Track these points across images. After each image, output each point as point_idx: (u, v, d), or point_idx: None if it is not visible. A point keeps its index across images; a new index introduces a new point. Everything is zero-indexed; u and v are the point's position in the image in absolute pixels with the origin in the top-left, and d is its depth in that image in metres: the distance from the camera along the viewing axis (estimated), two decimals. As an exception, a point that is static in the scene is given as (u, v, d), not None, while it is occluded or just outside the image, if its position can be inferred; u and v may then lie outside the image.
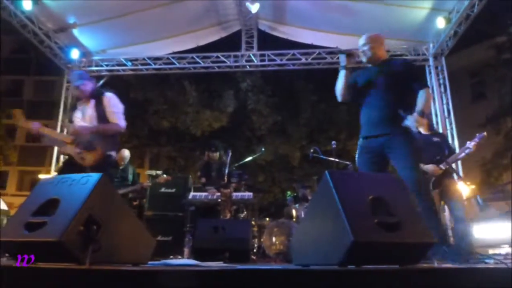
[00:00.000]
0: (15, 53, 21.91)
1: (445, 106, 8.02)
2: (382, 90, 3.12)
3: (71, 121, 3.66)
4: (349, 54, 3.23)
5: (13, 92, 20.97)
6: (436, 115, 8.02)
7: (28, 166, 19.92)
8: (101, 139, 3.45)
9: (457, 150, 6.73)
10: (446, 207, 4.37)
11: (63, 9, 7.27)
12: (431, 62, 8.20)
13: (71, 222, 1.85)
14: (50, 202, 2.04)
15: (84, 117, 3.56)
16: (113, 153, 3.54)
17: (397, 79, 3.11)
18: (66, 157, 3.63)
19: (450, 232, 4.92)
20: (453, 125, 7.81)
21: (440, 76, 8.17)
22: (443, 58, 8.14)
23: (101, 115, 3.53)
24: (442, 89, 8.11)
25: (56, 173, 3.45)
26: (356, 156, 3.26)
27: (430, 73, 8.27)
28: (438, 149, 4.33)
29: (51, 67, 8.77)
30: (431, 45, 8.13)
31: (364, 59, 3.30)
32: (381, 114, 3.12)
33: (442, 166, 4.15)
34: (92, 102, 3.58)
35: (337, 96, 3.34)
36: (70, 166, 3.30)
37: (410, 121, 2.96)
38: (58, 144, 3.64)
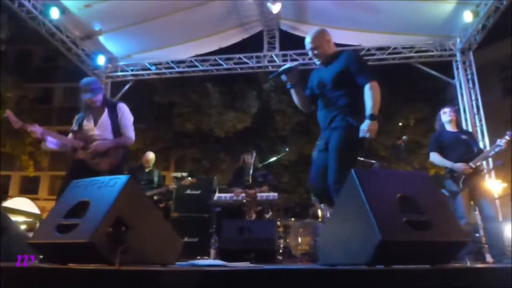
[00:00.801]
0: (44, 62, 22.62)
1: (474, 102, 7.78)
2: (329, 89, 3.00)
3: (79, 127, 3.60)
4: (286, 72, 3.05)
5: (44, 100, 21.63)
6: (465, 112, 7.80)
7: (59, 171, 20.53)
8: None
9: (488, 148, 6.55)
10: (476, 206, 4.24)
11: (89, 17, 7.46)
12: (458, 57, 7.98)
13: (100, 223, 1.89)
14: (81, 204, 2.09)
15: (97, 126, 3.57)
16: (123, 164, 3.67)
17: (341, 75, 2.95)
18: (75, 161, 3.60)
19: (481, 232, 4.78)
20: (483, 122, 7.58)
21: (468, 72, 7.94)
22: (471, 53, 7.90)
23: (116, 125, 3.59)
24: (471, 85, 7.88)
25: (64, 179, 3.45)
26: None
27: (457, 68, 8.05)
28: (467, 147, 4.22)
29: (79, 73, 8.99)
30: (458, 40, 7.91)
31: (316, 62, 3.16)
32: (328, 113, 3.01)
33: (471, 165, 4.04)
34: (106, 111, 3.60)
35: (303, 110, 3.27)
36: (82, 171, 3.29)
37: (363, 132, 2.78)
38: (64, 149, 3.60)
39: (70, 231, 1.95)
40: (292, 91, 3.13)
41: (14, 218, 9.06)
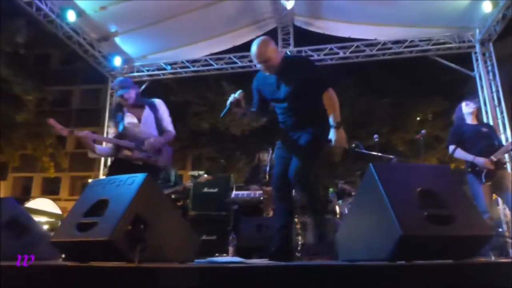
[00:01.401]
0: (63, 65, 23.04)
1: (494, 94, 7.59)
2: (292, 99, 2.96)
3: (125, 128, 3.60)
4: (234, 105, 2.95)
5: (62, 102, 22.02)
6: (485, 104, 7.62)
7: (79, 172, 20.90)
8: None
9: (510, 140, 6.39)
10: (500, 200, 4.14)
11: (104, 19, 7.55)
12: (477, 48, 7.79)
13: (119, 221, 1.90)
14: (100, 202, 2.12)
15: (141, 122, 3.61)
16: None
17: (302, 85, 2.91)
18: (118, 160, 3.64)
19: (505, 226, 4.68)
20: (504, 114, 7.39)
21: (488, 63, 7.74)
22: (490, 44, 7.71)
23: (159, 121, 3.67)
24: (491, 77, 7.69)
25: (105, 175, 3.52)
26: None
27: (477, 60, 7.87)
28: (488, 140, 4.13)
29: (96, 75, 9.14)
30: (477, 31, 7.73)
31: (266, 73, 3.02)
32: (292, 122, 3.03)
33: (493, 158, 3.95)
34: (147, 108, 3.65)
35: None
36: (126, 169, 3.33)
37: (338, 143, 2.80)
38: (110, 154, 3.67)
39: (90, 229, 1.97)
40: (245, 117, 3.12)
41: (36, 218, 9.26)
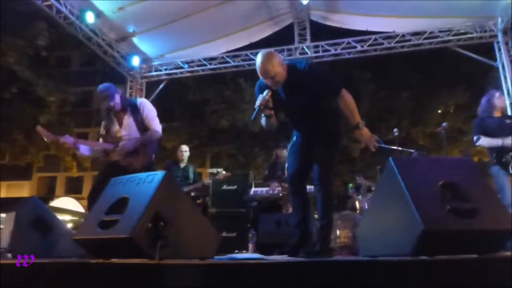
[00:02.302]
0: (83, 66, 23.50)
1: (519, 84, 7.38)
2: (300, 112, 3.00)
3: (106, 131, 3.66)
4: (262, 109, 2.81)
5: (83, 103, 22.45)
6: (509, 95, 7.41)
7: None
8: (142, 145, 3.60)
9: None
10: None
11: (122, 19, 7.65)
12: (500, 38, 7.57)
13: (140, 219, 1.93)
14: (121, 200, 2.15)
15: (123, 127, 3.62)
16: (153, 156, 3.68)
17: (314, 96, 2.87)
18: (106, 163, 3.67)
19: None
20: (529, 104, 7.17)
21: (512, 52, 7.53)
22: (514, 33, 7.49)
23: (139, 122, 3.62)
24: (515, 66, 7.47)
25: (95, 181, 3.53)
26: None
27: (499, 50, 7.64)
28: None
29: (115, 75, 9.27)
30: (499, 20, 7.50)
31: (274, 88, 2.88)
32: (306, 131, 3.07)
33: None
34: (128, 111, 3.64)
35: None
36: (114, 172, 3.36)
37: (363, 142, 2.82)
38: (98, 155, 3.68)
39: (112, 227, 2.00)
40: (266, 121, 2.95)
41: (60, 217, 9.49)
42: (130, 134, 3.60)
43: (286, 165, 5.27)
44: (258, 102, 2.78)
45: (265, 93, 2.80)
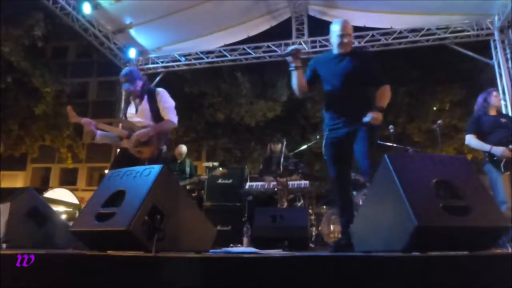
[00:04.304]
0: (79, 57, 23.34)
1: (514, 82, 7.42)
2: (347, 82, 3.10)
3: (125, 116, 3.71)
4: (293, 54, 3.12)
5: (80, 94, 22.32)
6: (504, 93, 7.45)
7: (96, 162, 21.27)
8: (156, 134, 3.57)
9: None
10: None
11: (119, 11, 7.60)
12: (496, 36, 7.60)
13: (137, 212, 1.94)
14: (117, 193, 2.16)
15: (138, 113, 3.63)
16: (164, 147, 3.63)
17: (367, 72, 3.10)
18: (120, 150, 3.70)
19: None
20: (524, 103, 7.22)
21: (508, 51, 7.55)
22: (510, 31, 7.51)
23: (155, 111, 3.60)
24: (510, 64, 7.50)
25: (110, 167, 3.52)
26: (323, 149, 3.25)
27: (495, 48, 7.68)
28: (507, 130, 4.06)
29: (112, 67, 9.22)
30: (496, 18, 7.52)
31: (336, 49, 3.18)
32: (354, 106, 3.08)
33: (511, 147, 3.89)
34: (145, 98, 3.64)
35: (297, 94, 3.32)
36: (126, 160, 3.38)
37: (369, 117, 2.92)
38: (114, 141, 3.67)
39: (109, 219, 2.02)
40: (294, 74, 3.18)
41: (55, 208, 9.46)
42: (144, 121, 3.60)
43: (281, 159, 5.33)
44: (290, 48, 3.15)
45: (299, 46, 3.08)
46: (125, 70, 3.72)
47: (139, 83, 3.65)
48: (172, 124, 3.63)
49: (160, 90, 3.72)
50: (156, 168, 2.17)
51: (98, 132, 3.58)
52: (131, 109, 3.68)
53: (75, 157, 16.22)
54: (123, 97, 8.83)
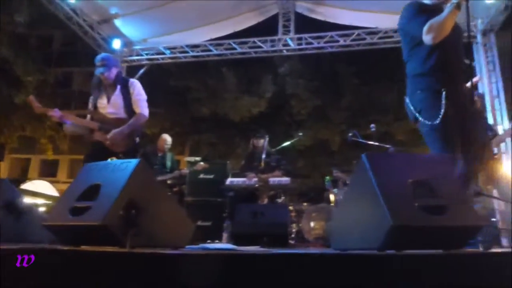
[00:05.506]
0: (64, 47, 22.86)
1: (493, 85, 7.54)
2: (456, 40, 2.71)
3: (95, 107, 3.60)
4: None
5: (64, 84, 21.93)
6: (484, 97, 7.59)
7: (78, 154, 20.94)
8: None
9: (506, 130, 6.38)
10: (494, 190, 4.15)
11: (105, 1, 7.47)
12: (479, 39, 7.70)
13: (112, 206, 1.91)
14: (93, 187, 2.11)
15: (109, 103, 3.56)
16: (137, 139, 3.59)
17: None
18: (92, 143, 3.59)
19: (498, 216, 4.70)
20: (503, 105, 7.36)
21: (489, 54, 7.68)
22: (492, 35, 7.63)
23: (127, 102, 3.55)
24: (491, 67, 7.63)
25: (84, 160, 3.45)
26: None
27: (478, 51, 7.80)
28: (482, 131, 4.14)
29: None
30: (479, 21, 7.63)
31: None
32: (460, 65, 2.70)
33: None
34: (118, 88, 3.56)
35: (435, 37, 2.52)
36: (99, 152, 3.32)
37: None
38: (84, 131, 3.58)
39: (83, 213, 1.98)
40: (453, 14, 2.53)
41: (33, 200, 9.30)
42: (116, 112, 3.54)
43: (264, 155, 5.31)
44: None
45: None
46: (101, 55, 3.64)
47: (114, 71, 3.57)
48: (144, 117, 3.58)
49: (134, 81, 3.68)
50: (133, 162, 2.13)
51: (68, 122, 3.50)
52: (103, 100, 3.59)
53: (56, 148, 15.97)
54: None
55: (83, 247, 1.92)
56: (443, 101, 2.49)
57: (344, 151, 15.06)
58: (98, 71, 3.53)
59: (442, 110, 2.47)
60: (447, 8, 2.53)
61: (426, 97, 2.63)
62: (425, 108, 2.60)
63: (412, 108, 2.71)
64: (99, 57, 3.61)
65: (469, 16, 2.63)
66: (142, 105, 3.57)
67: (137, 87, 3.61)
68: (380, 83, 14.74)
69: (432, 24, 2.51)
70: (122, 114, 3.54)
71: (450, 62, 2.65)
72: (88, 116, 3.66)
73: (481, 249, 2.17)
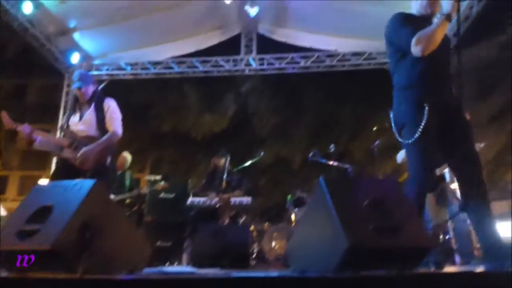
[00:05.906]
0: (19, 57, 21.91)
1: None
2: (443, 51, 2.63)
3: (67, 125, 3.56)
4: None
5: (16, 96, 21.00)
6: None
7: (30, 170, 19.94)
8: None
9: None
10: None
11: (64, 13, 7.31)
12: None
13: (63, 229, 1.83)
14: (44, 209, 2.02)
15: (81, 120, 3.50)
16: (109, 158, 3.52)
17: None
18: (60, 160, 3.54)
19: (451, 233, 4.88)
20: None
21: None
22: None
23: (100, 121, 3.50)
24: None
25: (50, 178, 3.35)
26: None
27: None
28: None
29: (54, 70, 8.77)
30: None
31: (445, 10, 2.45)
32: (446, 76, 2.68)
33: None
34: (92, 106, 3.53)
35: (423, 49, 2.47)
36: (66, 170, 3.26)
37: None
38: (53, 149, 3.50)
39: (31, 237, 1.88)
40: (444, 26, 2.48)
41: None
42: (87, 130, 3.47)
43: (225, 175, 5.28)
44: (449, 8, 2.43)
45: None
46: (80, 71, 3.68)
47: (91, 88, 3.57)
48: (117, 136, 3.55)
49: (110, 99, 3.65)
50: (88, 183, 2.06)
51: (38, 138, 3.39)
52: (75, 117, 3.56)
53: (6, 164, 15.18)
54: (62, 104, 8.47)
55: (30, 274, 1.82)
56: (425, 115, 2.46)
57: (305, 169, 15.31)
58: (75, 85, 3.51)
59: (423, 124, 2.44)
60: (437, 20, 2.49)
61: (408, 110, 2.62)
62: (407, 122, 2.60)
63: (394, 122, 2.74)
64: (77, 72, 3.63)
65: (460, 25, 2.64)
66: (116, 123, 3.54)
67: (112, 106, 3.59)
68: (338, 103, 15.20)
69: (420, 36, 2.47)
70: (93, 132, 3.48)
71: (434, 74, 2.62)
72: (60, 133, 3.58)
73: (432, 269, 2.25)
